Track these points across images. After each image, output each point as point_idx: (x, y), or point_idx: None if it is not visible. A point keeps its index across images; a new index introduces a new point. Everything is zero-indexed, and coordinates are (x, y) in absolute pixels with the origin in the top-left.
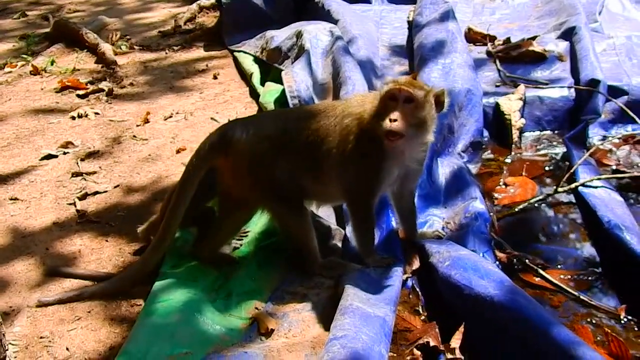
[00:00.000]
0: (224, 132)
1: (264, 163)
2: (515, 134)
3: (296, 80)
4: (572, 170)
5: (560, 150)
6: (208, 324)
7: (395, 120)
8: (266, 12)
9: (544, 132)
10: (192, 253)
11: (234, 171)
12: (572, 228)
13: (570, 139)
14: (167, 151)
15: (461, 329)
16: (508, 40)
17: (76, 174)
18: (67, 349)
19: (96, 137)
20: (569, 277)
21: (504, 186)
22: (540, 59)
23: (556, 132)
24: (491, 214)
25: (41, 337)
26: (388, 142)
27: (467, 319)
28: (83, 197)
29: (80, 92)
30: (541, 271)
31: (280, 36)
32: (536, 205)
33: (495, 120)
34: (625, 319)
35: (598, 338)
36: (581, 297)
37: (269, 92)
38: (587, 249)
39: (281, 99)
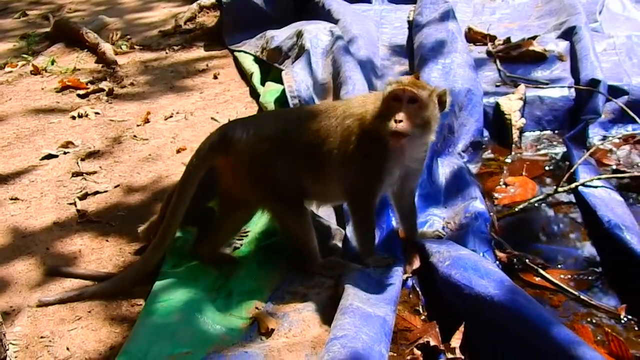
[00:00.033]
0: (224, 132)
1: (264, 163)
2: (515, 134)
3: (296, 80)
4: (572, 170)
5: (560, 150)
6: (208, 323)
7: (400, 121)
8: (266, 11)
9: (544, 131)
10: (193, 253)
11: (234, 171)
12: (572, 228)
13: (571, 139)
14: (168, 151)
15: (461, 328)
16: (508, 40)
17: (76, 174)
18: (68, 348)
19: (96, 137)
20: (569, 276)
21: (504, 186)
22: (541, 58)
23: (556, 131)
24: (491, 213)
25: (42, 337)
26: (393, 143)
27: (467, 319)
28: (83, 197)
29: (81, 92)
30: (541, 271)
31: (280, 36)
32: (536, 205)
33: (496, 120)
34: (626, 319)
35: (598, 338)
36: (581, 296)
37: (269, 92)
38: (587, 249)
39: (281, 99)
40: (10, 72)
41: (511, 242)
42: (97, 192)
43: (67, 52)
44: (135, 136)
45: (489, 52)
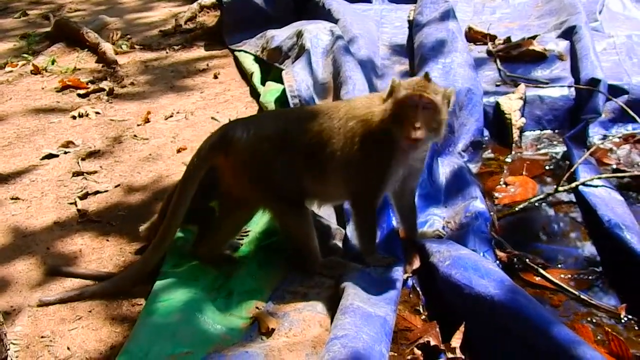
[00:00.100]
0: (224, 132)
1: (264, 163)
2: (515, 133)
3: (297, 79)
4: (572, 170)
5: (560, 149)
6: (209, 323)
7: (418, 128)
8: (267, 11)
9: (545, 131)
10: (193, 252)
11: (235, 171)
12: (572, 227)
13: (571, 138)
14: (168, 151)
15: (461, 328)
16: (508, 39)
17: (77, 174)
18: (68, 348)
19: (97, 137)
20: (570, 276)
21: (504, 185)
22: (541, 58)
23: (556, 131)
24: (491, 213)
25: (42, 337)
26: (408, 148)
27: (468, 319)
28: (84, 197)
29: (81, 92)
30: (541, 270)
31: (280, 36)
32: (536, 204)
33: (496, 120)
34: (626, 318)
35: (598, 337)
36: (581, 296)
37: (270, 92)
38: (588, 248)
39: (282, 99)
40: (11, 71)
41: (511, 242)
42: (97, 192)
43: (68, 52)
44: (135, 136)
45: (489, 52)
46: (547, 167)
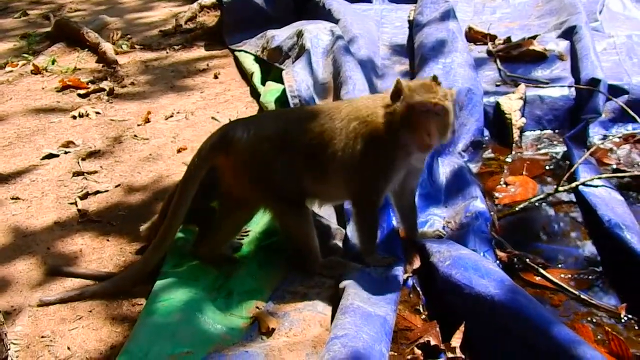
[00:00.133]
0: (225, 132)
1: (264, 163)
2: (515, 133)
3: (297, 79)
4: (572, 170)
5: (560, 149)
6: (209, 323)
7: (432, 135)
8: (267, 11)
9: (545, 131)
10: (193, 252)
11: (235, 171)
12: (572, 227)
13: (571, 138)
14: (168, 150)
15: (461, 328)
16: (509, 39)
17: (77, 174)
18: (69, 348)
19: (97, 137)
20: (570, 276)
21: (504, 185)
22: (541, 58)
23: (557, 131)
24: (492, 213)
25: (42, 337)
26: (418, 152)
27: (468, 318)
28: (84, 197)
29: (81, 92)
30: (542, 270)
31: (281, 35)
32: (537, 204)
33: (496, 120)
34: (626, 318)
35: (598, 337)
36: (582, 296)
37: (270, 92)
38: (588, 248)
39: (282, 99)
40: (11, 71)
41: (512, 242)
42: (97, 192)
43: (68, 52)
44: (135, 136)
45: (489, 52)
46: (547, 167)
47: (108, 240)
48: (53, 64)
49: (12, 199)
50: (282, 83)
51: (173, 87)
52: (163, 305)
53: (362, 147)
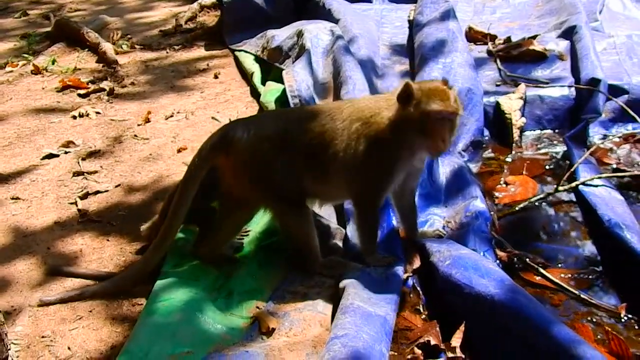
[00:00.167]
0: (225, 132)
1: (264, 163)
2: (515, 133)
3: (297, 79)
4: (572, 169)
5: (560, 149)
6: (209, 323)
7: (446, 141)
8: (267, 11)
9: (545, 131)
10: (193, 252)
11: (235, 171)
12: (572, 227)
13: (571, 138)
14: (168, 150)
15: (462, 327)
16: (509, 39)
17: (77, 174)
18: (69, 348)
19: (97, 137)
20: (570, 275)
21: (504, 185)
22: (541, 58)
23: (557, 131)
24: (492, 212)
25: (43, 337)
26: (433, 157)
27: (468, 318)
28: (84, 197)
29: (82, 92)
30: (542, 270)
31: (281, 35)
32: (537, 204)
33: (496, 119)
34: (626, 318)
35: (598, 337)
36: (582, 295)
37: (270, 92)
38: (588, 248)
39: (282, 99)
40: (11, 71)
41: (512, 241)
42: (98, 192)
43: (68, 52)
44: (136, 136)
45: (489, 52)
46: (547, 167)
47: (108, 240)
48: (53, 64)
49: (12, 199)
50: (282, 83)
51: (173, 87)
52: (163, 305)
53: (365, 148)
